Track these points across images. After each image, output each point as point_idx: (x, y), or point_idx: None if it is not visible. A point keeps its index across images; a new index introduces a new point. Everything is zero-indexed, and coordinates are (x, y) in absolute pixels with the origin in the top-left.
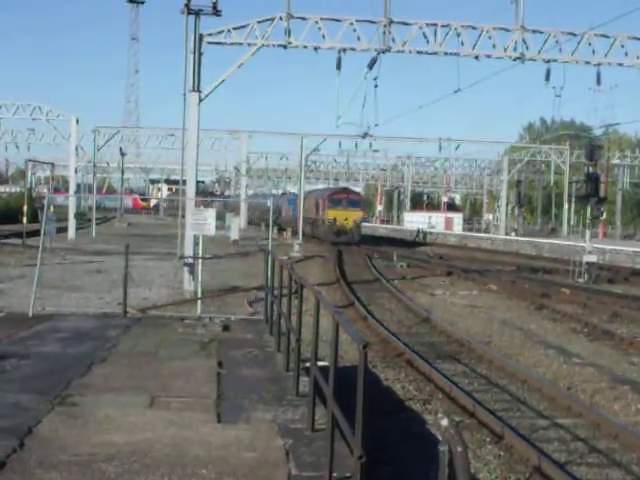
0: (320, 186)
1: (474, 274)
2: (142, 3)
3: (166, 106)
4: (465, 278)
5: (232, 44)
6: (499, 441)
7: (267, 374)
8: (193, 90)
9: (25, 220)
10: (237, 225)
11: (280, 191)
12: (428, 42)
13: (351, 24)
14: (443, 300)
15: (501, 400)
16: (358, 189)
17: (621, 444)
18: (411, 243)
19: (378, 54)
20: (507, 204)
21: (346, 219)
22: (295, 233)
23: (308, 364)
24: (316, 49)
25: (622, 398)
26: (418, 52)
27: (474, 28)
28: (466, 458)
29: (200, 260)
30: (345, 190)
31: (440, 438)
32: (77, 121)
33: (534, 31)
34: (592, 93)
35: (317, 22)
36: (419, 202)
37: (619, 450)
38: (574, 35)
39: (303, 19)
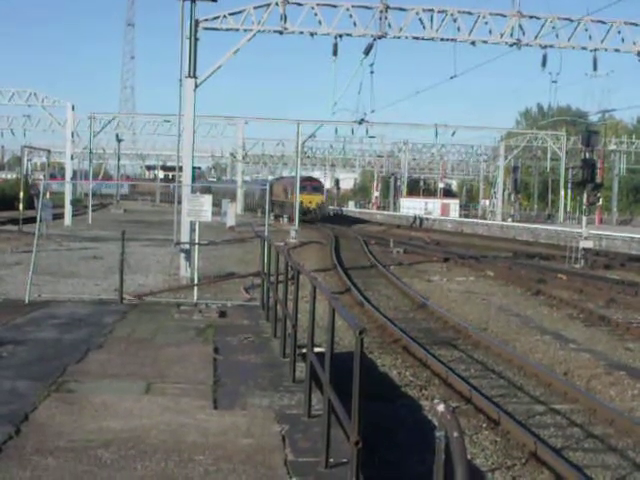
0: (317, 173)
1: (471, 260)
2: None
3: (162, 92)
4: (462, 264)
5: (228, 30)
6: (496, 427)
7: (263, 360)
8: (189, 76)
9: (21, 207)
10: (233, 211)
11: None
12: (424, 28)
13: (347, 10)
14: (440, 286)
15: (498, 386)
16: (355, 175)
17: (617, 430)
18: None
19: (374, 40)
20: (503, 190)
21: (310, 202)
22: (291, 219)
23: (304, 350)
24: (312, 35)
25: (618, 384)
26: (414, 38)
27: (471, 14)
28: (463, 444)
29: (196, 246)
30: (309, 178)
31: (437, 424)
32: (73, 108)
33: (531, 17)
34: (589, 79)
35: (313, 8)
36: (415, 188)
37: (615, 436)
38: (571, 21)
39: (299, 5)
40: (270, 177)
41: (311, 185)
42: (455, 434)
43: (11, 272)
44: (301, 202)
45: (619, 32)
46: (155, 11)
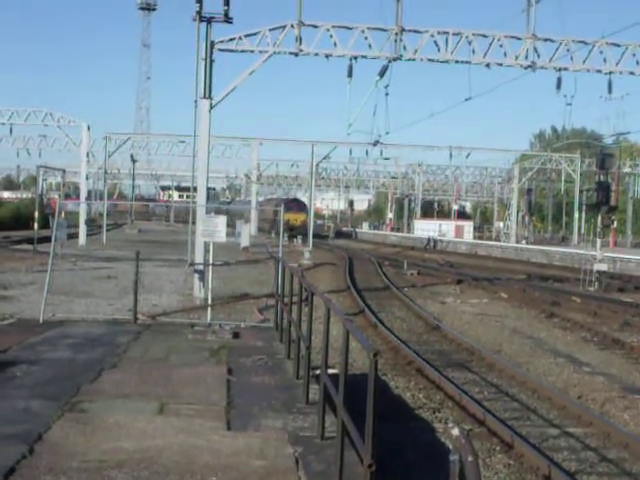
0: (331, 194)
1: (484, 282)
2: (154, 10)
3: (177, 113)
4: (475, 286)
5: (243, 51)
6: (509, 450)
7: (277, 381)
8: (204, 97)
9: (36, 226)
10: (247, 232)
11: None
12: (439, 50)
13: (362, 32)
14: (453, 308)
15: (511, 409)
16: (369, 196)
17: (631, 453)
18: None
19: (389, 62)
20: (518, 212)
21: (296, 219)
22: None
23: (318, 372)
24: (327, 57)
25: (632, 407)
26: (429, 60)
27: (485, 36)
28: (477, 467)
29: (210, 267)
30: (295, 200)
31: (451, 447)
32: (88, 128)
33: (545, 39)
34: (603, 102)
35: (328, 30)
36: (429, 210)
37: (629, 459)
38: (585, 43)
39: (314, 27)
40: (261, 198)
41: (297, 206)
42: (469, 458)
43: (26, 291)
44: (288, 220)
45: (634, 55)
46: (171, 32)
